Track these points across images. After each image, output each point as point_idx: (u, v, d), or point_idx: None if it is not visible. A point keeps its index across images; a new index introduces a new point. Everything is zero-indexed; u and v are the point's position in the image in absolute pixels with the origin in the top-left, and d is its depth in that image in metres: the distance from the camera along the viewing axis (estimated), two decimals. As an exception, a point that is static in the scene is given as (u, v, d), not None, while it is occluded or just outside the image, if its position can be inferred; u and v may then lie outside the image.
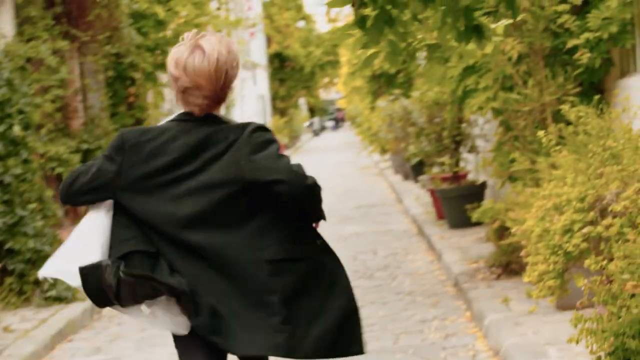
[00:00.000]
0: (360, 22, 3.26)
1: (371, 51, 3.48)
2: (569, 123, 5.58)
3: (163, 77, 15.64)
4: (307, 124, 59.83)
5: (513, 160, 7.48)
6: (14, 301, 8.59)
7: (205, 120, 3.56)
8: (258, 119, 25.87)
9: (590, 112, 4.97)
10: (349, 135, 57.65)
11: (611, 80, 7.98)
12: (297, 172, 3.44)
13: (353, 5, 3.27)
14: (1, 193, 8.59)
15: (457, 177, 12.20)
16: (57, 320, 7.92)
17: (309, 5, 49.53)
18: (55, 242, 8.85)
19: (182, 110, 3.62)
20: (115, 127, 12.92)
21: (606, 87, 8.09)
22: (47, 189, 9.42)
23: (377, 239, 12.13)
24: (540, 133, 4.89)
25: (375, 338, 6.74)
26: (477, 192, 11.53)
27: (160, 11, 13.92)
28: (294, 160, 3.45)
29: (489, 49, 6.49)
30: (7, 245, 8.65)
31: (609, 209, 4.12)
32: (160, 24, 14.16)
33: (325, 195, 3.77)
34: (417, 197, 15.51)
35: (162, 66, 14.67)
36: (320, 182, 3.61)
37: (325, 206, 3.73)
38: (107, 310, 6.27)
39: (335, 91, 68.13)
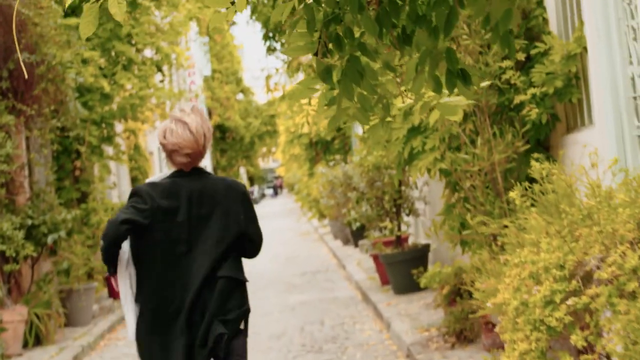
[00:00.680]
0: (325, 73, 2.56)
1: (329, 109, 2.77)
2: (530, 181, 4.93)
3: (109, 150, 14.97)
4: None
5: (464, 224, 6.83)
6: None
7: (193, 173, 4.46)
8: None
9: (557, 168, 4.33)
10: (288, 202, 57.01)
11: (557, 136, 7.42)
12: (261, 237, 4.58)
13: (315, 55, 2.57)
14: None
15: (399, 241, 11.52)
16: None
17: (248, 79, 49.26)
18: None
19: (173, 169, 4.48)
20: (61, 201, 12.13)
21: (552, 143, 7.52)
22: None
23: (324, 308, 11.36)
24: (513, 194, 4.23)
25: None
26: (420, 256, 10.86)
27: (105, 85, 13.33)
28: None
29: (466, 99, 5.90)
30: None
31: (595, 276, 3.46)
32: (106, 98, 13.64)
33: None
34: (359, 262, 14.80)
35: (107, 139, 14.07)
36: (263, 249, 4.65)
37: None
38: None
39: (272, 160, 67.69)
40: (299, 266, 16.89)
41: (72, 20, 11.88)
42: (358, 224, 13.37)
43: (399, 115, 7.41)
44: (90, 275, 13.29)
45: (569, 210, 3.89)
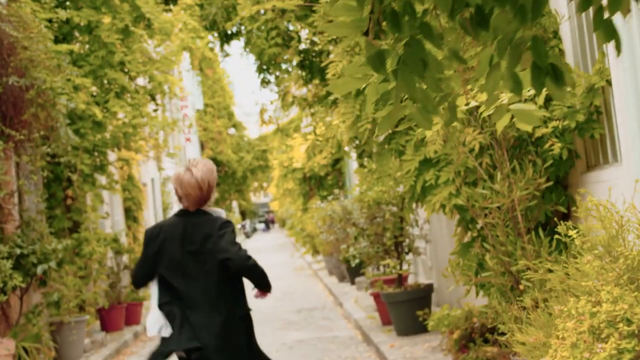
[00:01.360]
0: (377, 60, 1.98)
1: (380, 106, 2.19)
2: (545, 224, 4.37)
3: (102, 179, 14.48)
4: (239, 226, 58.75)
5: (482, 264, 6.26)
6: None
7: (195, 214, 5.22)
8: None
9: (604, 204, 3.78)
10: (280, 237, 56.44)
11: (577, 174, 6.87)
12: (240, 254, 5.09)
13: (365, 35, 1.99)
14: None
15: (400, 280, 10.92)
16: None
17: (239, 114, 48.82)
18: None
19: (181, 207, 5.28)
20: (52, 230, 11.59)
21: (571, 181, 6.97)
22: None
23: (323, 347, 10.74)
24: (562, 227, 3.67)
25: None
26: (424, 296, 10.26)
27: (97, 112, 12.87)
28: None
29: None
30: None
31: (670, 333, 2.90)
32: (98, 125, 13.17)
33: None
34: (357, 300, 14.18)
35: (100, 168, 13.59)
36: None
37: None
38: None
39: (264, 194, 67.07)
40: (295, 302, 16.28)
41: (63, 47, 11.40)
42: (357, 260, 12.76)
43: (410, 145, 6.87)
44: (81, 308, 12.77)
45: (627, 253, 3.34)
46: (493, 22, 1.94)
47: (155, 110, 15.30)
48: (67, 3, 12.84)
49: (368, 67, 2.06)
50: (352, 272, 16.73)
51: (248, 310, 5.31)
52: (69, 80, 11.45)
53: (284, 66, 13.39)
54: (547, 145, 6.30)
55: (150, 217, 21.81)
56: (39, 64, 10.35)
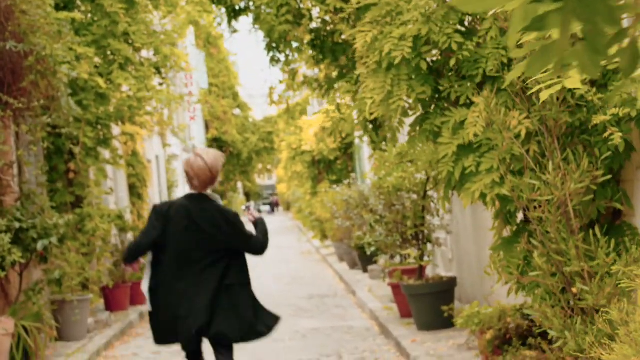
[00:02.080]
0: None
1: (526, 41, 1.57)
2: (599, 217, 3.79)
3: (105, 154, 13.99)
4: (243, 207, 58.30)
5: (529, 262, 5.67)
6: None
7: (202, 198, 5.85)
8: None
9: None
10: (285, 220, 56.07)
11: (632, 168, 6.25)
12: (255, 246, 5.96)
13: None
14: None
15: (422, 271, 10.35)
16: None
17: (244, 96, 48.20)
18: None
19: (188, 191, 5.93)
20: (53, 205, 11.09)
21: (624, 177, 6.35)
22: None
23: (339, 338, 10.18)
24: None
25: None
26: (447, 290, 9.68)
27: (101, 82, 12.34)
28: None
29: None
30: None
31: None
32: (102, 97, 12.67)
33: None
34: (371, 289, 13.62)
35: (104, 142, 13.10)
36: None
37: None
38: None
39: (268, 177, 66.55)
40: (305, 288, 15.75)
41: (64, 14, 10.85)
42: (373, 248, 12.16)
43: (446, 127, 6.28)
44: (85, 286, 12.32)
45: None
46: None
47: (160, 84, 14.88)
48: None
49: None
50: (364, 260, 16.17)
51: (250, 282, 6.02)
52: (70, 49, 10.95)
53: (294, 45, 12.91)
54: (605, 135, 5.70)
55: (155, 194, 21.28)
56: (38, 30, 9.80)
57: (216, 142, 43.68)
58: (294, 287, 15.85)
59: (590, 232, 5.33)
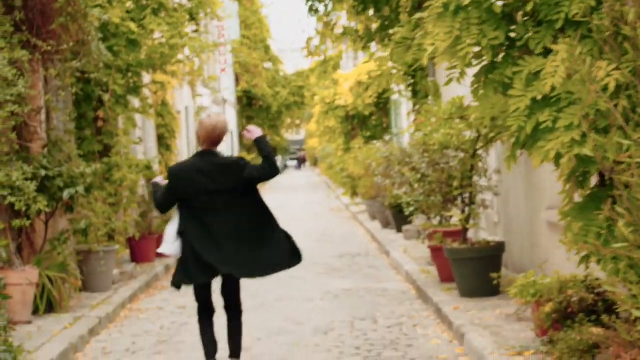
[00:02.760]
0: None
1: None
2: None
3: (135, 102, 13.53)
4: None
5: (612, 231, 5.09)
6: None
7: (210, 154, 6.50)
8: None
9: None
10: (312, 176, 55.68)
11: None
12: (264, 168, 6.42)
13: None
14: None
15: (466, 234, 9.79)
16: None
17: (275, 49, 47.68)
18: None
19: (199, 149, 6.58)
20: (80, 153, 10.66)
21: None
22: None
23: (373, 301, 9.68)
24: None
25: None
26: (494, 256, 9.12)
27: (133, 27, 11.82)
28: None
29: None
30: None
31: None
32: (133, 44, 12.19)
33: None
34: (406, 250, 13.09)
35: (134, 90, 12.66)
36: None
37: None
38: None
39: (296, 132, 65.94)
40: (336, 246, 15.27)
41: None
42: (412, 208, 11.58)
43: (519, 78, 5.66)
44: (111, 237, 12.02)
45: None
46: None
47: (195, 32, 14.36)
48: None
49: None
50: (398, 219, 15.62)
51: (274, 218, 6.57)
52: (102, -10, 10.50)
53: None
54: None
55: (184, 146, 20.80)
56: (68, -31, 9.32)
57: (246, 96, 43.19)
58: (324, 245, 15.39)
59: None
